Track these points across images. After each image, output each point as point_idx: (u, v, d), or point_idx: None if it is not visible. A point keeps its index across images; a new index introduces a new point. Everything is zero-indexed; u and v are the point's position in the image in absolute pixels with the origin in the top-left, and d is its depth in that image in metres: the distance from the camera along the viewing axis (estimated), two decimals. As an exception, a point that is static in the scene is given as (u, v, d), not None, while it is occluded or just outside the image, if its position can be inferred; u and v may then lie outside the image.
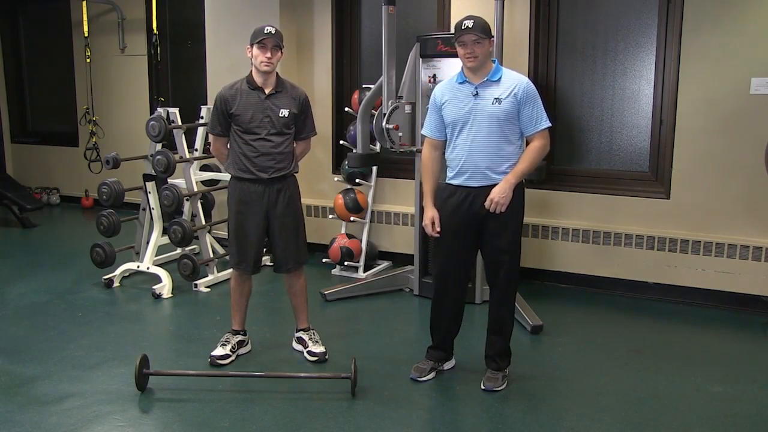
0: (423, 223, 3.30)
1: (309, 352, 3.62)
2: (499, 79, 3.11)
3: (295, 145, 3.57)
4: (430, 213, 3.25)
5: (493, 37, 3.13)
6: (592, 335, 4.03)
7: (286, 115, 3.44)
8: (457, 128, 3.16)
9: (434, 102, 3.25)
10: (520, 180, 3.12)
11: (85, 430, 2.90)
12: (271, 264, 3.73)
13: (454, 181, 3.20)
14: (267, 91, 3.43)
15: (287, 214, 3.53)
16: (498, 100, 3.07)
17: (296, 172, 3.59)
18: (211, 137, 3.63)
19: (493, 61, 3.16)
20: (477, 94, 3.11)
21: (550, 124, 3.14)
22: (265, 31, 3.33)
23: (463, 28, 3.04)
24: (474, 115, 3.11)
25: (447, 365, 3.50)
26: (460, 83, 3.16)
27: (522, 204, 3.23)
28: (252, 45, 3.37)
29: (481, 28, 3.04)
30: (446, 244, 3.29)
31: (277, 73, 3.47)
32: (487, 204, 3.08)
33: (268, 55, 3.35)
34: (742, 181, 4.34)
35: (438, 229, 3.23)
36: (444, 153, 3.28)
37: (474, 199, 3.15)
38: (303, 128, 3.59)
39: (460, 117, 3.14)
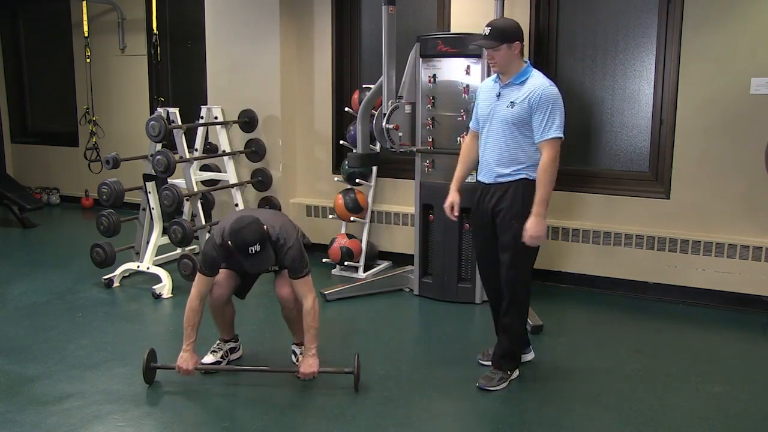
0: (444, 205, 3.40)
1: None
2: (523, 82, 3.12)
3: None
4: (451, 198, 3.36)
5: (516, 41, 3.08)
6: (592, 335, 4.03)
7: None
8: (481, 125, 3.28)
9: (475, 96, 3.39)
10: (545, 207, 3.09)
11: (85, 430, 2.90)
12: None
13: (477, 176, 3.33)
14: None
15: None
16: (513, 103, 3.10)
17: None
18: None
19: (526, 63, 3.16)
20: (499, 95, 3.17)
21: (560, 135, 3.05)
22: (250, 252, 2.97)
23: (481, 34, 3.12)
24: (492, 116, 3.18)
25: (524, 357, 3.52)
26: (494, 82, 3.24)
27: (529, 204, 3.13)
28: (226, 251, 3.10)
29: (495, 35, 3.07)
30: (474, 238, 3.50)
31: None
32: (525, 239, 3.10)
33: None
34: (742, 181, 4.34)
35: (456, 213, 3.34)
36: None
37: (483, 194, 3.25)
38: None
39: (483, 115, 3.25)
